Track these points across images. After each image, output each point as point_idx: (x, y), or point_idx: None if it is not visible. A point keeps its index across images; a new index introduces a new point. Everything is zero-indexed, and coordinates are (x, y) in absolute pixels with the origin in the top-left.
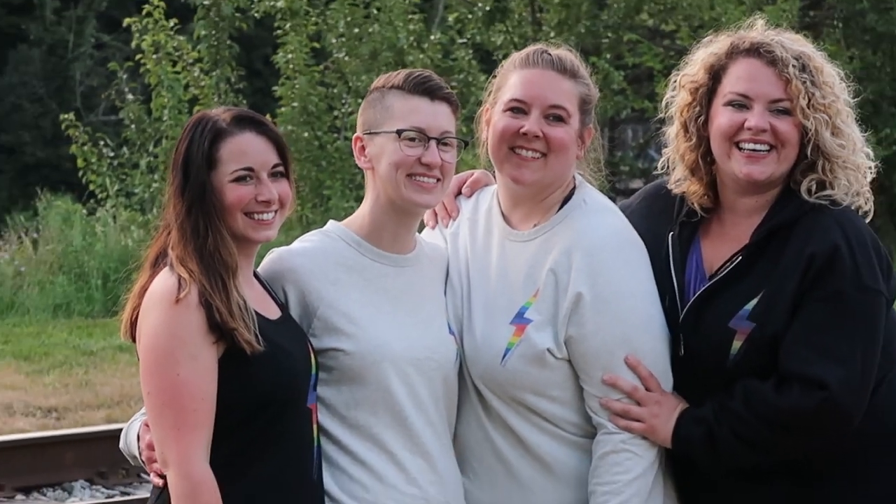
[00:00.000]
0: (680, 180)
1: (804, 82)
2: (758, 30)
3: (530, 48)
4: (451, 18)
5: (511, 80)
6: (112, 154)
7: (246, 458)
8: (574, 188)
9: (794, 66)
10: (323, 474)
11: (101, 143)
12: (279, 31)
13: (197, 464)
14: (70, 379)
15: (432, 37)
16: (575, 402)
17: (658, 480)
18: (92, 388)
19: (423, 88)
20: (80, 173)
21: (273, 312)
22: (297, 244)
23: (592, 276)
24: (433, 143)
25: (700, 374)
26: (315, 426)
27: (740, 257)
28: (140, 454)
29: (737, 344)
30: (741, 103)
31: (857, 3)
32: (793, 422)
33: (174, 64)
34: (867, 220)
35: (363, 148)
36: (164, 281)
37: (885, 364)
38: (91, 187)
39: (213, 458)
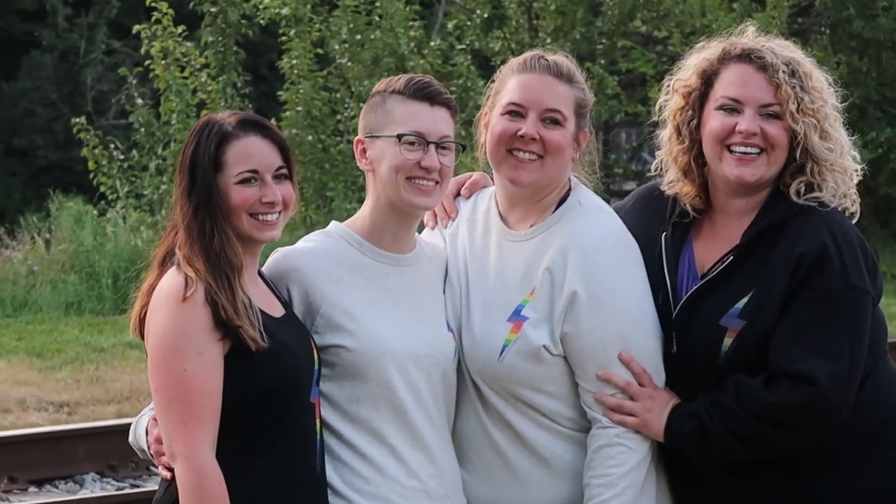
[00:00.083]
0: (673, 182)
1: (794, 87)
2: (749, 36)
3: (528, 54)
4: (450, 25)
5: (509, 84)
6: (122, 157)
7: (251, 453)
8: (570, 190)
9: (783, 71)
10: (326, 467)
11: (112, 146)
12: (284, 38)
13: (204, 456)
14: (81, 375)
15: (432, 43)
16: (570, 398)
17: (651, 474)
18: (102, 383)
19: (423, 94)
20: (91, 176)
21: (277, 310)
22: (300, 244)
23: (587, 276)
24: (432, 147)
25: (692, 370)
26: (318, 421)
27: (731, 257)
28: (149, 448)
29: (728, 341)
30: (732, 107)
31: (843, 10)
32: (783, 416)
33: (182, 69)
34: (854, 221)
35: (364, 151)
36: (171, 280)
37: (871, 360)
38: (102, 189)
39: (219, 452)
